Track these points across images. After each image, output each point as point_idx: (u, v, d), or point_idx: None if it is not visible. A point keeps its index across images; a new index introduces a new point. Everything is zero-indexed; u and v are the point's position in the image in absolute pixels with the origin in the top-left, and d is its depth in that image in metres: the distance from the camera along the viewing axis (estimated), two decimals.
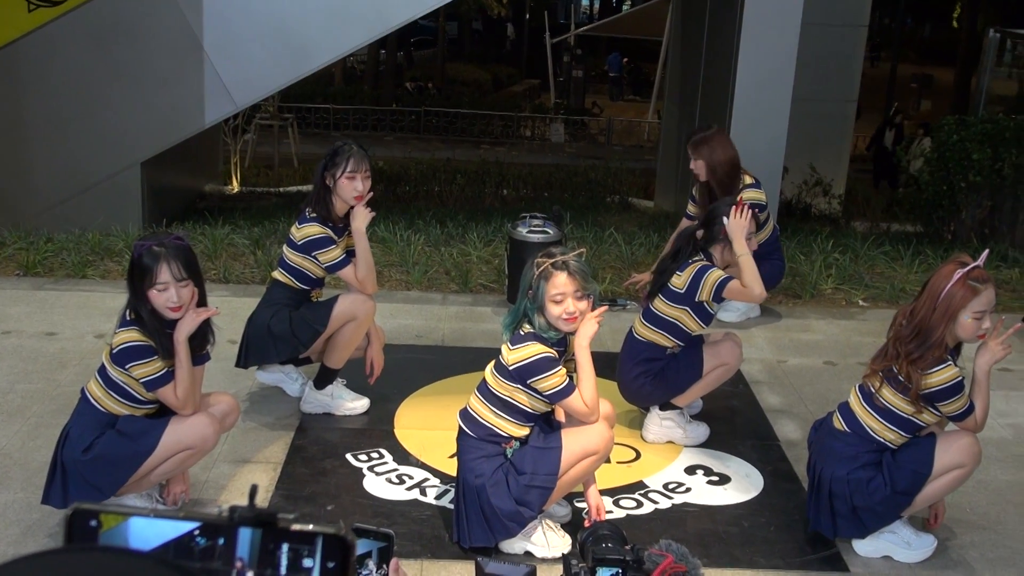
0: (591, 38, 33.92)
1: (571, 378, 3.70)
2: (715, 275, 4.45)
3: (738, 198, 4.62)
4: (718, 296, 4.49)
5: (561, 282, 3.60)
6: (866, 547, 3.90)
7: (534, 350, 3.63)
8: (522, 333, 3.69)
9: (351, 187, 4.59)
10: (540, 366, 3.61)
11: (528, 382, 3.64)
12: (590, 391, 3.69)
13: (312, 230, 4.61)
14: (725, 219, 4.47)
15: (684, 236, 4.73)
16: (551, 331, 3.68)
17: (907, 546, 3.88)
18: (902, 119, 19.18)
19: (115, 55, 8.13)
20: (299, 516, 0.85)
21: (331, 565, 0.84)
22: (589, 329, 3.67)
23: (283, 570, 0.84)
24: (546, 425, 3.83)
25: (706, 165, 5.88)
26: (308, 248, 4.63)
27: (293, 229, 4.71)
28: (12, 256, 7.15)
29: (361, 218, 4.62)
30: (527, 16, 36.35)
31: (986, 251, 3.90)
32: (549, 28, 29.22)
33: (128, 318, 3.66)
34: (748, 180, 5.93)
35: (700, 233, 4.61)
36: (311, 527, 0.84)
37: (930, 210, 9.37)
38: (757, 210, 4.67)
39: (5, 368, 5.25)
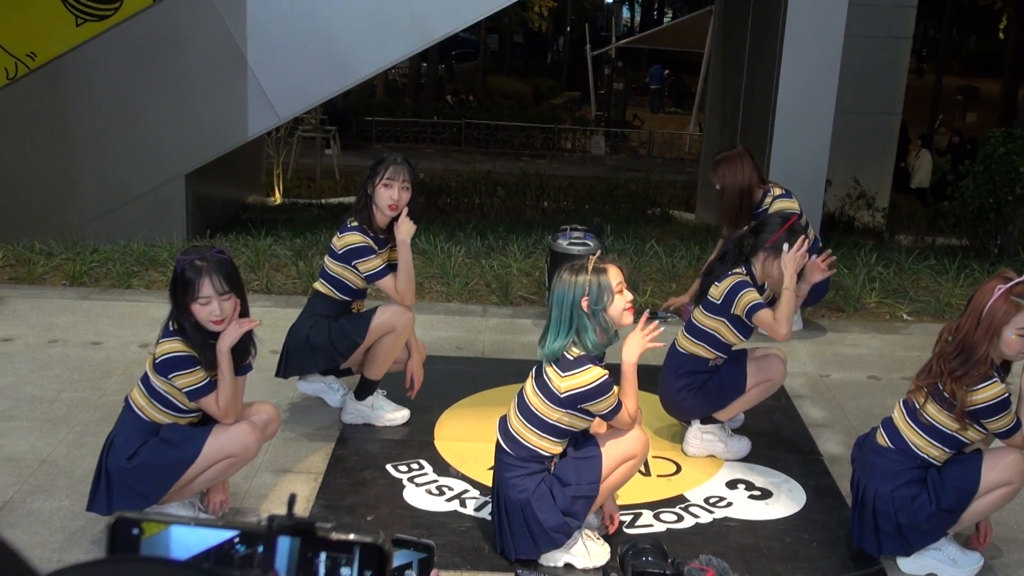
0: (632, 51, 33.91)
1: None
2: (749, 297, 4.39)
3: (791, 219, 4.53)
4: (749, 317, 4.46)
5: (615, 271, 3.63)
6: (911, 564, 3.84)
7: (593, 375, 3.56)
8: (571, 358, 3.60)
9: (386, 194, 4.60)
10: (599, 391, 3.56)
11: (580, 406, 3.61)
12: (634, 405, 3.71)
13: (353, 239, 4.64)
14: (786, 246, 4.41)
15: (733, 241, 4.67)
16: (602, 343, 3.65)
17: (953, 564, 3.82)
18: (905, 127, 19.18)
19: (160, 68, 8.24)
20: (337, 525, 0.86)
21: (368, 574, 0.85)
22: (639, 345, 3.68)
23: None
24: (580, 435, 3.81)
25: (719, 187, 5.87)
26: (348, 257, 4.65)
27: (334, 239, 4.74)
28: (59, 266, 7.25)
29: (405, 229, 4.64)
30: (568, 28, 36.41)
31: None
32: (590, 40, 29.25)
33: (171, 328, 3.70)
34: (777, 191, 5.88)
35: (747, 241, 4.56)
36: (351, 536, 0.85)
37: (976, 223, 9.27)
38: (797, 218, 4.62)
39: (52, 377, 5.32)
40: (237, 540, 0.84)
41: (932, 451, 3.74)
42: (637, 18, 46.12)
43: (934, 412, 3.70)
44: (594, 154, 23.53)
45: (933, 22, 32.99)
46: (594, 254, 3.71)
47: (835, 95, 8.54)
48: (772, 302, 4.49)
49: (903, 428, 3.79)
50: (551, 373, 3.62)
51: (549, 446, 3.69)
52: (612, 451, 3.69)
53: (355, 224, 4.67)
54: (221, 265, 3.65)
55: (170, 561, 0.81)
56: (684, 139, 25.12)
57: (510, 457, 3.72)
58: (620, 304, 3.61)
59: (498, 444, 3.78)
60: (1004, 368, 3.74)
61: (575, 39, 34.85)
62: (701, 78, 24.05)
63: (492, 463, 3.96)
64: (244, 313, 3.75)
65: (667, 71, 33.09)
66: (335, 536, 0.85)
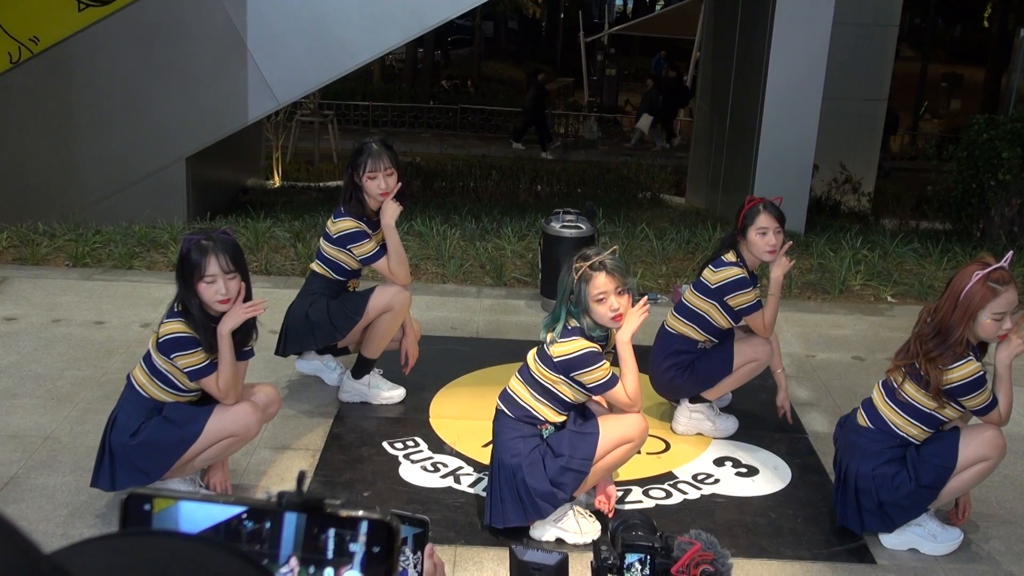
0: (624, 37, 33.84)
1: (613, 371, 3.78)
2: (749, 296, 4.56)
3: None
4: (741, 314, 4.62)
5: (601, 282, 3.68)
6: (892, 540, 3.92)
7: (578, 345, 3.71)
8: (569, 327, 3.76)
9: (375, 186, 4.72)
10: (584, 361, 3.70)
11: (572, 375, 3.73)
12: (632, 384, 3.77)
13: (346, 224, 4.75)
14: (785, 259, 4.60)
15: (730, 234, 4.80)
16: (597, 329, 3.76)
17: (933, 539, 3.90)
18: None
19: (161, 53, 8.29)
20: (346, 502, 0.86)
21: (376, 550, 0.85)
22: (632, 325, 3.74)
23: (329, 554, 0.86)
24: (580, 415, 3.91)
25: None
26: (343, 241, 4.76)
27: (329, 223, 4.84)
28: (62, 247, 7.31)
29: (390, 213, 4.74)
30: (562, 15, 36.34)
31: (1010, 253, 3.92)
32: (583, 27, 29.22)
33: (176, 310, 3.74)
34: None
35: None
36: (359, 513, 0.85)
37: (959, 208, 9.38)
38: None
39: (55, 355, 5.39)
40: (245, 516, 0.84)
41: (910, 429, 3.82)
42: (630, 5, 46.00)
43: (911, 391, 3.78)
44: (587, 139, 23.55)
45: (919, 10, 32.91)
46: (590, 257, 3.75)
47: (823, 82, 8.63)
48: (752, 276, 4.65)
49: (882, 408, 3.88)
50: (550, 340, 3.78)
51: (543, 409, 3.80)
52: (610, 432, 3.76)
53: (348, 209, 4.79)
54: (227, 245, 3.69)
55: (186, 534, 0.83)
56: (675, 125, 25.13)
57: (506, 418, 3.83)
58: (602, 312, 3.70)
59: (497, 410, 3.88)
60: (982, 348, 3.81)
61: (568, 25, 34.78)
62: (692, 65, 24.09)
63: (485, 440, 4.05)
64: (248, 297, 3.78)
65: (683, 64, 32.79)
66: (344, 513, 0.85)
